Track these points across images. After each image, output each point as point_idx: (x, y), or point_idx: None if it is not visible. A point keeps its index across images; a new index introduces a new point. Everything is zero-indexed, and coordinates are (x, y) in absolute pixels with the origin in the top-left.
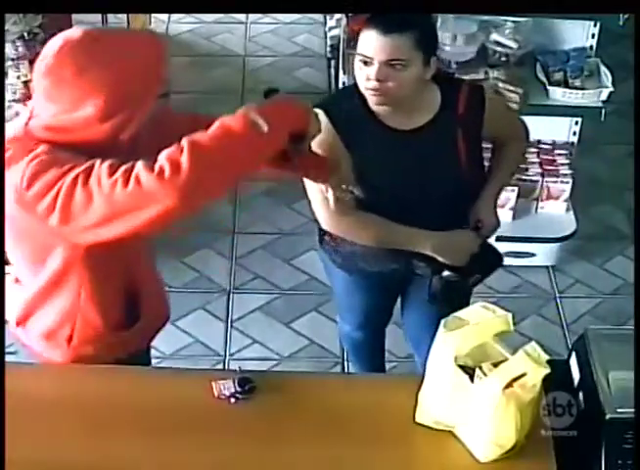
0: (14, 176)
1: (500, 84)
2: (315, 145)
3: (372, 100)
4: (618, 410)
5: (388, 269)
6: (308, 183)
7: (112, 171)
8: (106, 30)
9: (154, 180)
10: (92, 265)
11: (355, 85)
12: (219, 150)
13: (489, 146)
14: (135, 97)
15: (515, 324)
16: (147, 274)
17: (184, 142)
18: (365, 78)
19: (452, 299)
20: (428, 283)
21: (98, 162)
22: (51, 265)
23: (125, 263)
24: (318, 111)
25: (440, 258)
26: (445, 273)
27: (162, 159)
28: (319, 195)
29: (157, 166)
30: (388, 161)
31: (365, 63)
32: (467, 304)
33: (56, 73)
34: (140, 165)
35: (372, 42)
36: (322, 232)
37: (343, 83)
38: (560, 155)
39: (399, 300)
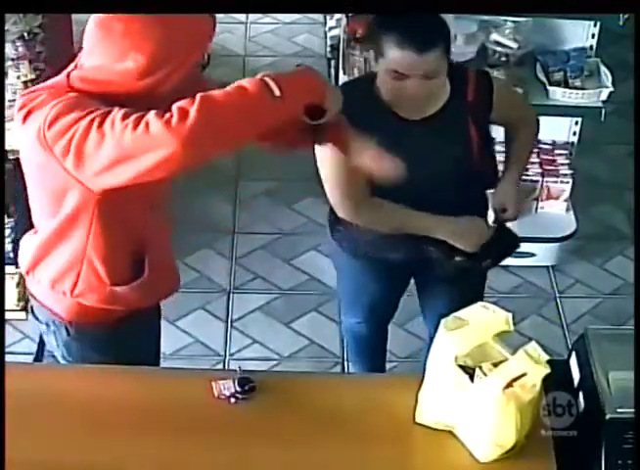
0: (39, 118)
1: None
2: None
3: (399, 107)
4: (618, 410)
5: (400, 255)
6: (324, 169)
7: (125, 117)
8: None
9: (160, 126)
10: (102, 214)
11: (370, 77)
12: (229, 105)
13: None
14: (176, 59)
15: (515, 324)
16: (157, 237)
17: (198, 95)
18: (397, 90)
19: (464, 282)
20: (438, 267)
21: (116, 108)
22: (64, 209)
23: (136, 220)
24: None
25: (454, 244)
26: (457, 258)
27: (174, 107)
28: (335, 181)
29: (167, 114)
30: (399, 150)
31: (397, 77)
32: (482, 287)
33: (107, 25)
34: (152, 112)
35: (406, 61)
36: (333, 220)
37: None
38: (560, 155)
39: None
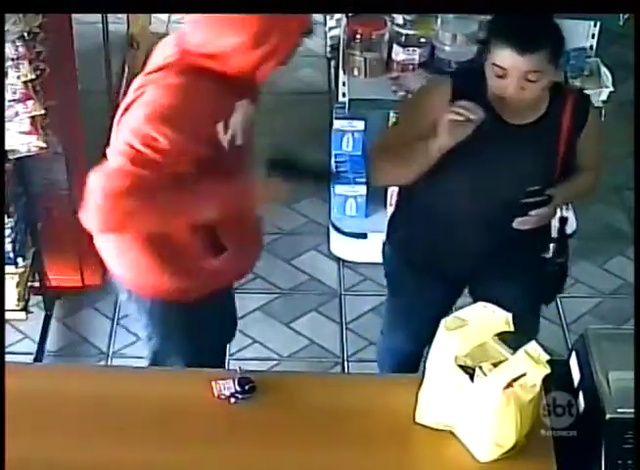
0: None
1: None
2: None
3: (500, 105)
4: (618, 410)
5: (459, 266)
6: (386, 134)
7: None
8: None
9: None
10: None
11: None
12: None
13: None
14: (282, 27)
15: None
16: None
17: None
18: (500, 89)
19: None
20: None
21: None
22: None
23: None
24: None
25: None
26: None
27: None
28: (389, 139)
29: None
30: (488, 148)
31: (499, 74)
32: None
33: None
34: None
35: (508, 59)
36: (393, 229)
37: (344, 83)
38: None
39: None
